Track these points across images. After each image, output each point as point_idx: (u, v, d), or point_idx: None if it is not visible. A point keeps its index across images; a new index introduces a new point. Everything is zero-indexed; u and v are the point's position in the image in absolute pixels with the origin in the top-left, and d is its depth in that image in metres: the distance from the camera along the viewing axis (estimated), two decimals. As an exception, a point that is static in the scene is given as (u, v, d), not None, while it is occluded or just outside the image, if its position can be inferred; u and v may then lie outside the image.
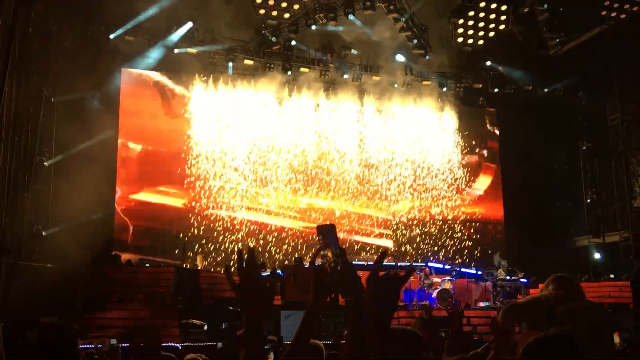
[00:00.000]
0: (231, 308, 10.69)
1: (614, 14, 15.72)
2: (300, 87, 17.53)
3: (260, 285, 1.92)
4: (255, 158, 16.93)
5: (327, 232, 2.08)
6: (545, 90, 18.29)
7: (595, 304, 3.96)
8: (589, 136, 18.14)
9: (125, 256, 13.92)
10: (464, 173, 18.66)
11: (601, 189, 17.98)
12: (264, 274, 12.12)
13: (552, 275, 3.66)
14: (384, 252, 2.19)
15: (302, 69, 17.21)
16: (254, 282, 1.91)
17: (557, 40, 16.68)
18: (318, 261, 2.04)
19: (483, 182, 18.74)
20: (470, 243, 18.08)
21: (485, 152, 19.06)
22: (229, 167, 16.66)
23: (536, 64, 17.70)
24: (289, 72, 16.89)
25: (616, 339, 8.23)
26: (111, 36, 14.97)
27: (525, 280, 14.19)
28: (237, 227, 16.33)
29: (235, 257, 2.02)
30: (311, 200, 17.20)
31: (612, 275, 15.13)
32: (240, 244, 15.78)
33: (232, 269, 2.16)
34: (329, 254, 2.01)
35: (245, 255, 1.94)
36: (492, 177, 18.83)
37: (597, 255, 17.34)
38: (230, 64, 16.53)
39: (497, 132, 19.25)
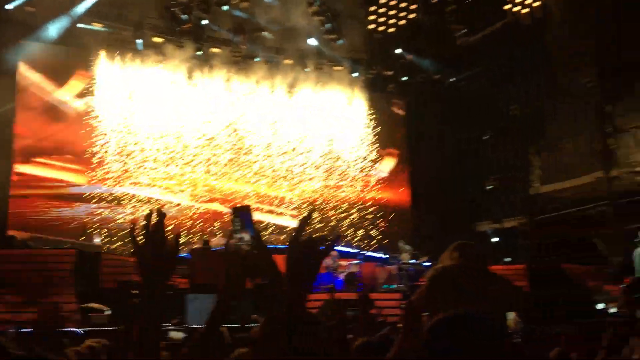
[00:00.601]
0: (134, 292, 10.40)
1: (516, 9, 16.39)
2: (211, 68, 17.21)
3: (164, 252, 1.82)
4: (163, 138, 16.52)
5: (242, 214, 2.04)
6: (453, 79, 18.86)
7: (500, 278, 4.00)
8: (492, 124, 18.87)
9: (20, 236, 13.25)
10: (371, 157, 18.92)
11: (501, 176, 18.79)
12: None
13: (454, 243, 3.66)
14: (309, 213, 2.09)
15: (213, 49, 16.90)
16: (157, 247, 1.80)
17: (464, 31, 17.22)
18: (230, 244, 1.98)
19: (387, 164, 19.04)
20: (376, 228, 18.44)
21: (392, 137, 19.38)
22: (135, 144, 16.17)
23: (444, 53, 18.23)
24: (200, 52, 16.54)
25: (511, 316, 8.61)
26: (9, 6, 14.10)
27: (429, 264, 14.61)
28: (142, 207, 15.89)
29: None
30: (220, 181, 17.01)
31: (507, 259, 15.82)
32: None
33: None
34: (245, 237, 1.96)
35: (153, 218, 1.82)
36: (396, 160, 19.14)
37: (494, 239, 18.14)
38: (139, 41, 15.98)
39: (404, 118, 19.63)
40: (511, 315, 8.18)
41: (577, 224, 16.09)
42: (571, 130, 17.06)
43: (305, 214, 2.03)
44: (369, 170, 18.76)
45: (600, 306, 9.70)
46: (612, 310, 9.79)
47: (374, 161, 18.90)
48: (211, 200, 16.79)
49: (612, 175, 15.56)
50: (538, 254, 16.24)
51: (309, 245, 1.88)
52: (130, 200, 15.87)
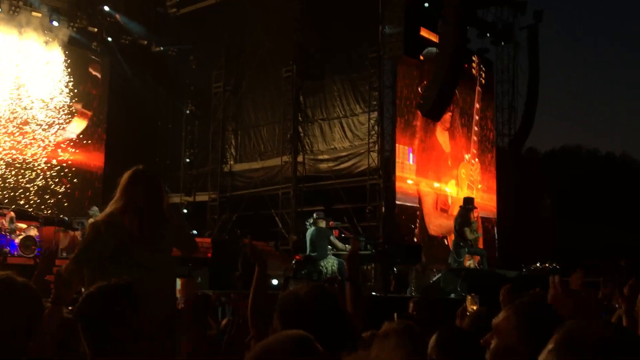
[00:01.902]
0: None
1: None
2: None
3: None
4: None
5: None
6: (161, 48, 18.55)
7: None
8: (194, 100, 19.07)
9: None
10: (62, 115, 17.57)
11: (198, 151, 19.13)
12: None
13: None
14: None
15: None
16: None
17: (176, 1, 17.08)
18: None
19: (77, 126, 17.85)
20: (63, 190, 17.28)
21: (88, 98, 18.24)
22: None
23: (155, 20, 17.83)
24: None
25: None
26: None
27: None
28: None
29: None
30: None
31: (195, 232, 16.14)
32: None
33: None
34: None
35: None
36: (87, 122, 18.07)
37: (185, 211, 18.46)
38: None
39: (104, 80, 18.63)
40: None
41: (264, 202, 17.18)
42: (268, 116, 18.13)
43: None
44: (59, 130, 17.37)
45: (274, 282, 10.47)
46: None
47: (66, 121, 17.58)
48: None
49: (298, 160, 16.94)
50: (224, 229, 16.96)
51: None
52: None
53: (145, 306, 2.25)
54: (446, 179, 17.13)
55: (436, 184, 16.74)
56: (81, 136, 17.80)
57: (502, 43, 19.29)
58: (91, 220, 11.93)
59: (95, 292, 2.22)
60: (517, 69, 19.46)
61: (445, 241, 16.21)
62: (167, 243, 3.56)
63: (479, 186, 18.15)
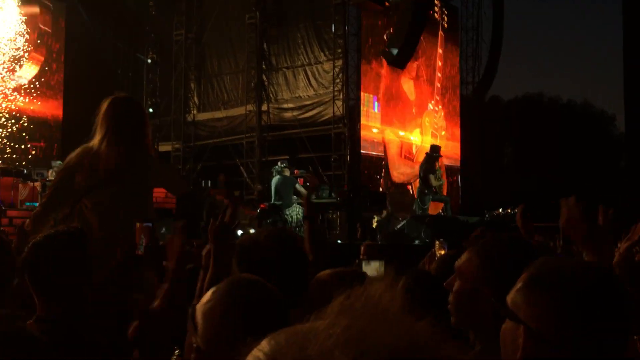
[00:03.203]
0: None
1: None
2: None
3: None
4: None
5: None
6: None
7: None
8: (155, 48, 18.57)
9: None
10: (13, 61, 16.79)
11: (160, 101, 18.76)
12: None
13: None
14: None
15: None
16: None
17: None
18: None
19: (28, 72, 17.12)
20: (23, 141, 16.78)
21: (42, 42, 17.45)
22: None
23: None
24: None
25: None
26: None
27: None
28: None
29: None
30: None
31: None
32: None
33: None
34: None
35: None
36: (39, 67, 17.34)
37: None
38: None
39: (58, 27, 17.85)
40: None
41: (228, 152, 17.05)
42: (231, 64, 17.82)
43: None
44: (9, 75, 16.59)
45: (239, 232, 10.47)
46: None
47: (17, 66, 16.76)
48: None
49: (262, 109, 16.77)
50: (188, 178, 16.81)
51: None
52: None
53: (101, 248, 2.19)
54: (411, 128, 17.19)
55: (401, 133, 16.80)
56: (36, 83, 17.14)
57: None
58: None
59: (41, 241, 2.15)
60: (482, 16, 19.40)
61: (410, 189, 16.38)
62: (148, 179, 3.31)
63: (442, 133, 18.27)
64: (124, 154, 3.14)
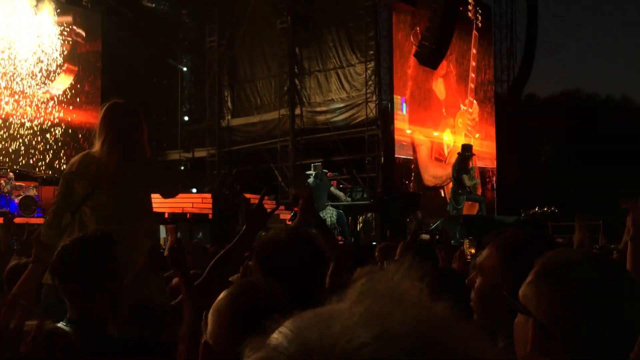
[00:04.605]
0: None
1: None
2: None
3: None
4: None
5: None
6: (152, 5, 18.22)
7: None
8: (188, 55, 18.82)
9: None
10: (51, 73, 17.16)
11: (194, 107, 18.99)
12: None
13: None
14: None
15: None
16: None
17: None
18: None
19: (62, 82, 17.45)
20: (62, 150, 17.16)
21: (76, 53, 17.77)
22: None
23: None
24: None
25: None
26: None
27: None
28: None
29: None
30: None
31: (194, 190, 16.15)
32: None
33: None
34: None
35: None
36: (73, 78, 17.64)
37: (183, 168, 18.43)
38: None
39: (93, 37, 18.20)
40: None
41: (262, 156, 17.16)
42: (264, 69, 17.94)
43: None
44: (44, 87, 16.91)
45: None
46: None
47: (51, 78, 17.11)
48: None
49: (296, 113, 16.85)
50: (224, 183, 16.94)
51: None
52: None
53: (122, 251, 2.23)
54: (442, 127, 17.04)
55: (435, 133, 16.67)
56: (69, 94, 17.45)
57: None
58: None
59: (70, 245, 2.19)
60: (516, 12, 19.16)
61: (442, 192, 16.22)
62: (145, 182, 3.34)
63: (477, 135, 18.07)
64: (122, 158, 3.22)
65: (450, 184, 12.99)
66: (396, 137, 15.42)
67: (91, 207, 3.17)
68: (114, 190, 3.20)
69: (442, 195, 15.94)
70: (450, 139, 17.13)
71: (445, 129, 17.13)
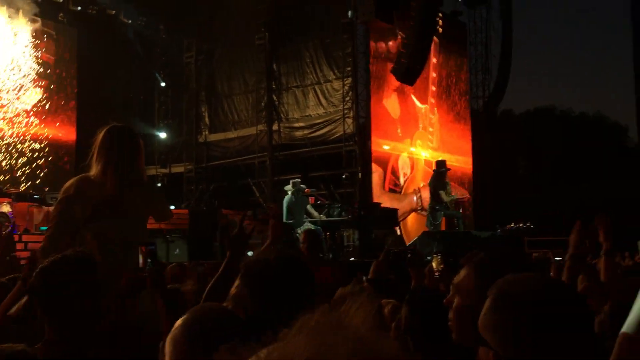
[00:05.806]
0: None
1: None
2: None
3: None
4: None
5: None
6: (129, 21, 18.15)
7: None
8: (166, 69, 18.77)
9: None
10: (25, 87, 16.91)
11: (172, 122, 18.91)
12: None
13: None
14: None
15: None
16: None
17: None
18: None
19: (34, 97, 17.09)
20: (34, 165, 16.92)
21: (44, 68, 17.51)
22: None
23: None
24: None
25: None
26: None
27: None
28: None
29: None
30: None
31: (172, 206, 16.01)
32: None
33: None
34: None
35: None
36: (42, 93, 17.30)
37: (159, 184, 18.27)
38: None
39: (69, 52, 18.00)
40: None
41: (240, 172, 17.13)
42: (241, 85, 17.95)
43: None
44: (14, 101, 16.61)
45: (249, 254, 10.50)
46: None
47: (20, 92, 16.82)
48: None
49: (273, 129, 16.86)
50: (201, 199, 16.88)
51: None
52: None
53: (108, 275, 2.22)
54: (399, 150, 16.08)
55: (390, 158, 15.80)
56: (42, 109, 17.17)
57: (475, 4, 19.22)
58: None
59: (48, 266, 2.17)
60: (490, 30, 19.44)
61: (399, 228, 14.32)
62: (143, 206, 3.33)
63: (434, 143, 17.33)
64: (122, 183, 3.20)
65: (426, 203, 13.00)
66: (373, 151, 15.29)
67: (91, 232, 3.13)
68: (113, 216, 3.18)
69: (398, 232, 15.02)
70: (407, 165, 16.19)
71: (402, 152, 16.15)
